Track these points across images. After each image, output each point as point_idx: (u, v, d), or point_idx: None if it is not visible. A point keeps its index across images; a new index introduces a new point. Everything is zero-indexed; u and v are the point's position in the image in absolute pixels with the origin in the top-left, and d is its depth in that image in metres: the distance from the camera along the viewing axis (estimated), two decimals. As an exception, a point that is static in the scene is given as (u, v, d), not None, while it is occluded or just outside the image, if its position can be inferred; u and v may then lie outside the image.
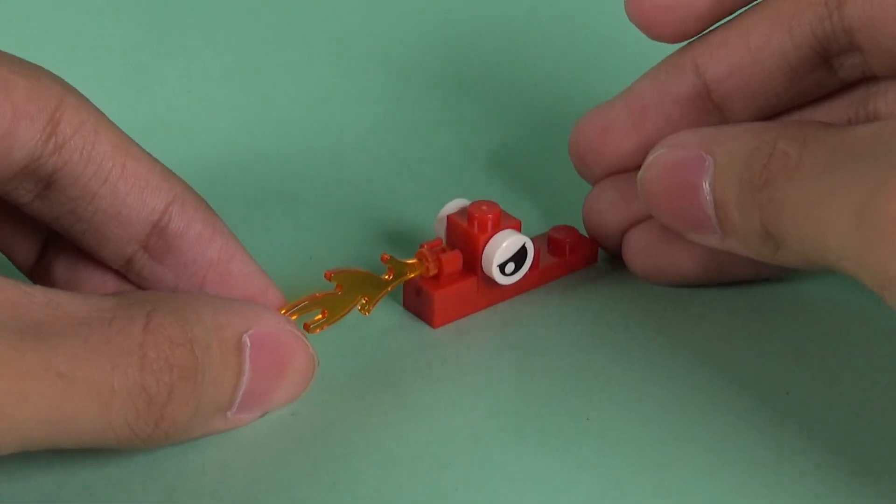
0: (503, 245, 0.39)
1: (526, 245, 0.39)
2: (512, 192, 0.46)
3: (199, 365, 0.31)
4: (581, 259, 0.42)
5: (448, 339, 0.40)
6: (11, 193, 0.33)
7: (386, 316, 0.40)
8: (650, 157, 0.37)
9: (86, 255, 0.36)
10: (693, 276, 0.40)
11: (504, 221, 0.39)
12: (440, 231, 0.40)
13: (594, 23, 0.54)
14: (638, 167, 0.38)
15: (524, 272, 0.40)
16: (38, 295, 0.31)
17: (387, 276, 0.38)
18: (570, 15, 0.54)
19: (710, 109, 0.39)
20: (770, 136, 0.34)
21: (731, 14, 0.38)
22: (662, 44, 0.39)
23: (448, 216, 0.39)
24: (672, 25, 0.38)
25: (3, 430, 0.29)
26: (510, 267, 0.39)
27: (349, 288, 0.38)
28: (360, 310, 0.38)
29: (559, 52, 0.53)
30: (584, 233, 0.42)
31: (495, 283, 0.39)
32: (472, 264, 0.39)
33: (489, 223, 0.39)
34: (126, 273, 0.36)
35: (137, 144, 0.34)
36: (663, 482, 0.35)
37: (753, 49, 0.37)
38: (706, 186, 0.35)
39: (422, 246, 0.39)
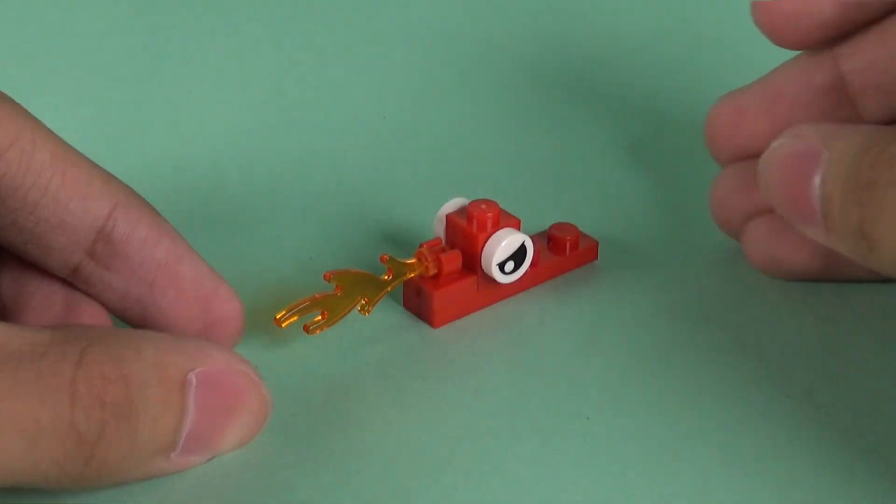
0: (502, 244, 0.39)
1: (525, 243, 0.39)
2: (512, 190, 0.45)
3: (133, 403, 0.30)
4: (581, 256, 0.42)
5: (448, 339, 0.40)
6: None
7: (386, 316, 0.40)
8: (772, 146, 0.37)
9: (32, 266, 0.35)
10: (806, 270, 0.40)
11: (503, 220, 0.39)
12: (439, 230, 0.40)
13: (588, 15, 0.54)
14: None
15: (524, 270, 0.40)
16: None
17: (386, 277, 0.38)
18: (564, 7, 0.54)
19: (844, 102, 0.39)
20: (885, 137, 0.34)
21: (855, 24, 0.39)
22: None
23: (447, 215, 0.39)
24: (797, 32, 0.39)
25: None
26: (510, 265, 0.39)
27: (349, 289, 0.38)
28: (359, 310, 0.38)
29: (562, 48, 0.53)
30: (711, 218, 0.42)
31: (495, 281, 0.39)
32: (472, 263, 0.39)
33: (488, 222, 0.39)
34: (73, 281, 0.35)
35: (77, 151, 0.34)
36: (663, 482, 0.35)
37: (891, 45, 0.38)
38: (817, 179, 0.35)
39: (421, 245, 0.39)
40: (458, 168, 0.47)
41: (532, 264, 0.40)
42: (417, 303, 0.39)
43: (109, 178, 0.34)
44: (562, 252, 0.41)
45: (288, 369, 0.38)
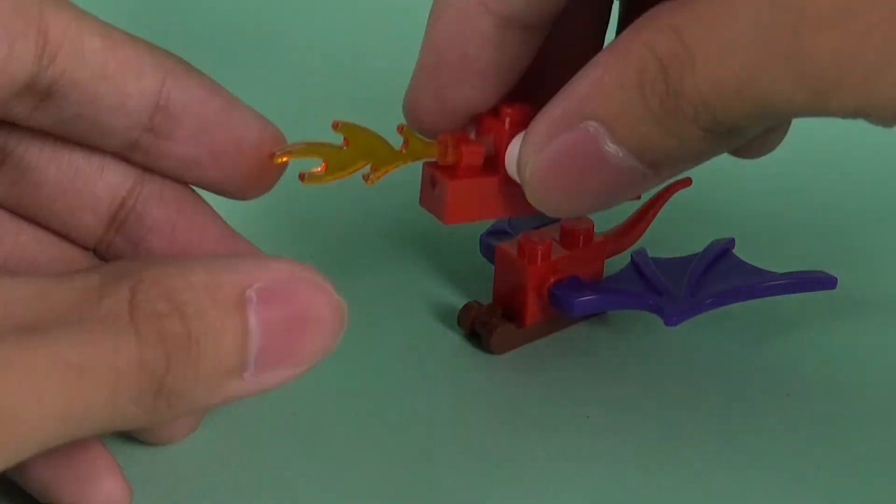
0: (530, 143, 0.35)
1: (556, 147, 0.36)
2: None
3: (190, 332, 0.29)
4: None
5: (448, 338, 0.39)
6: (8, 113, 0.32)
7: (386, 316, 0.40)
8: (522, 169, 0.35)
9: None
10: None
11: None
12: (470, 128, 0.37)
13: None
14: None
15: (550, 181, 0.36)
16: (22, 288, 0.30)
17: (401, 150, 0.35)
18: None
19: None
20: (636, 53, 0.32)
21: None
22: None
23: (478, 114, 0.36)
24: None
25: (25, 437, 0.28)
26: (536, 169, 0.36)
27: (357, 146, 0.34)
28: (363, 178, 0.34)
29: None
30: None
31: (519, 189, 0.35)
32: (497, 164, 0.36)
33: (518, 120, 0.35)
34: (131, 155, 0.34)
35: (118, 28, 0.33)
36: (663, 482, 0.34)
37: None
38: (610, 147, 0.33)
39: (446, 133, 0.36)
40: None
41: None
42: (431, 196, 0.36)
43: (154, 48, 0.34)
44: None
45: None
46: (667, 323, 0.37)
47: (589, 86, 0.33)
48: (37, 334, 0.28)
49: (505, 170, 0.36)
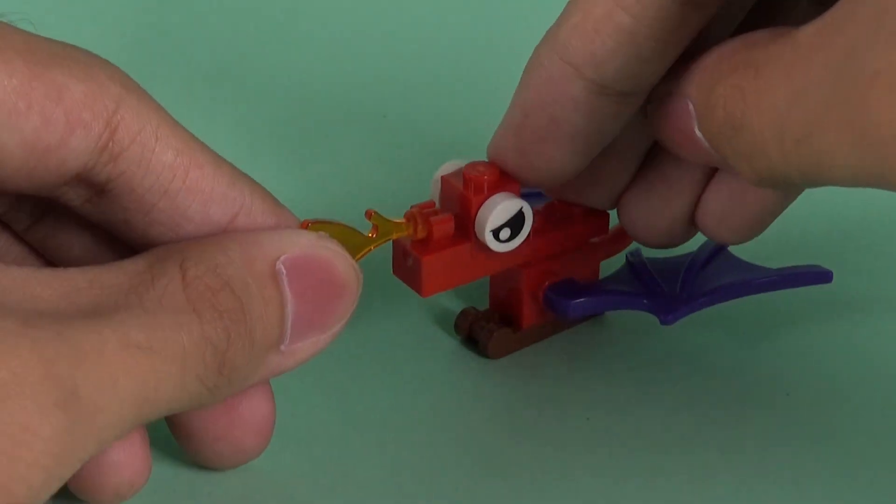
0: (497, 208, 0.36)
1: (523, 209, 0.36)
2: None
3: (242, 304, 0.30)
4: (589, 230, 0.39)
5: (447, 339, 0.39)
6: (61, 198, 0.32)
7: (386, 315, 0.40)
8: (652, 101, 0.34)
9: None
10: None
11: (502, 184, 0.36)
12: (434, 194, 0.37)
13: None
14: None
15: (521, 240, 0.37)
16: (78, 278, 0.30)
17: (370, 234, 0.35)
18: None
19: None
20: (713, 77, 0.31)
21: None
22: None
23: (442, 177, 0.37)
24: None
25: (106, 425, 0.28)
26: (505, 233, 0.36)
27: None
28: None
29: None
30: None
31: (490, 250, 0.36)
32: (466, 229, 0.36)
33: (485, 185, 0.36)
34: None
35: (203, 145, 0.32)
36: (663, 482, 0.35)
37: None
38: (697, 132, 0.32)
39: (412, 207, 0.36)
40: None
41: (533, 233, 0.37)
42: (406, 269, 0.37)
43: (235, 177, 0.32)
44: (567, 225, 0.38)
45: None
46: (662, 322, 0.38)
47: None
48: (103, 318, 0.28)
49: (475, 234, 0.36)
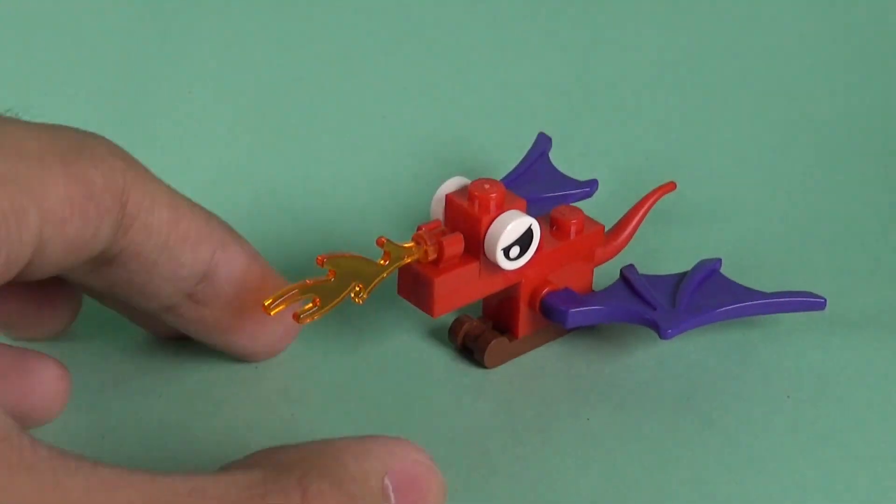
0: (508, 227, 0.36)
1: (532, 227, 0.37)
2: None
3: None
4: (586, 241, 0.39)
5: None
6: (69, 274, 0.33)
7: (385, 316, 0.39)
8: None
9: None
10: None
11: (508, 201, 0.37)
12: (437, 212, 0.37)
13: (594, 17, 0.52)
14: None
15: (530, 256, 0.37)
16: (178, 485, 0.28)
17: (382, 261, 0.36)
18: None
19: None
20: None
21: None
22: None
23: (447, 195, 0.37)
24: None
25: None
26: (515, 251, 0.37)
27: (342, 274, 0.35)
28: (353, 298, 0.35)
29: (565, 46, 0.51)
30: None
31: (498, 267, 0.37)
32: (474, 248, 0.36)
33: (492, 203, 0.36)
34: (163, 317, 0.35)
35: (178, 194, 0.33)
36: (663, 482, 0.35)
37: None
38: None
39: (419, 228, 0.36)
40: (459, 168, 0.46)
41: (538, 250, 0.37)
42: (414, 290, 0.37)
43: (208, 217, 0.34)
44: (566, 237, 0.39)
45: (288, 369, 0.38)
46: (662, 336, 0.38)
47: None
48: None
49: (484, 253, 0.36)
